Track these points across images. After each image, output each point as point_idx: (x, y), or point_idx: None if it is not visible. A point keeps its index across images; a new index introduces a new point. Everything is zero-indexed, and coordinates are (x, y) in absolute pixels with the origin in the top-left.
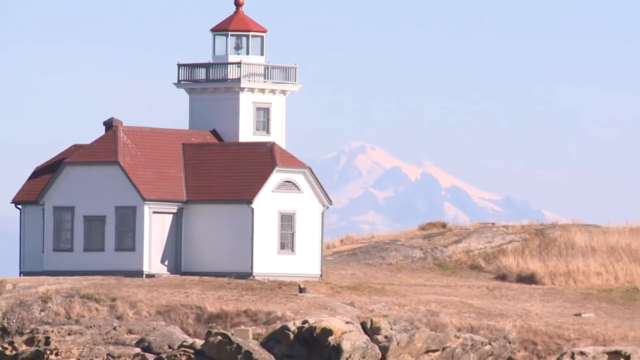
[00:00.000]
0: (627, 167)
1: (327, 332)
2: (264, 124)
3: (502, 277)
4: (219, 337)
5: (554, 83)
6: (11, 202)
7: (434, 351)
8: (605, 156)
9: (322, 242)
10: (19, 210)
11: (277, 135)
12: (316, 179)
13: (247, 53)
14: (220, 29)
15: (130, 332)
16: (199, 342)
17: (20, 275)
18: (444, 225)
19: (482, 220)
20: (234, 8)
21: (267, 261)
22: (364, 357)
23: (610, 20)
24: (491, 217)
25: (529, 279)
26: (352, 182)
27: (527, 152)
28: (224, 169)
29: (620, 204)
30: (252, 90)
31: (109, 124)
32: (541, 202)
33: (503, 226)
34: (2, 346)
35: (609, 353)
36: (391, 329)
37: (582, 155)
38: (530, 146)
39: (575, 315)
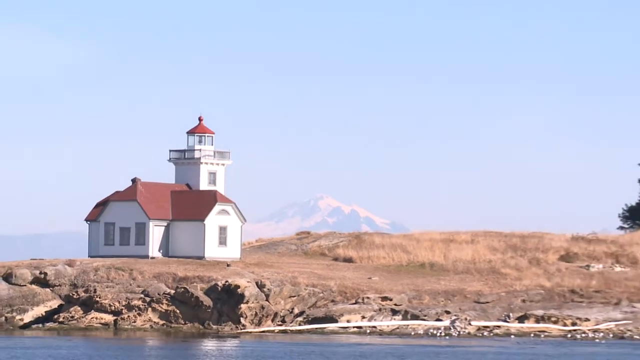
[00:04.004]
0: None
1: (237, 286)
2: (213, 181)
3: (336, 259)
4: (183, 289)
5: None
6: (84, 220)
7: (293, 296)
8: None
9: (241, 241)
10: (88, 224)
11: (220, 187)
12: (238, 209)
13: (205, 144)
14: (191, 132)
15: (139, 286)
16: (172, 292)
17: (88, 257)
18: (308, 233)
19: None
20: (197, 121)
21: (212, 250)
22: (256, 300)
23: None
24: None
25: (349, 260)
26: (316, 214)
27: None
28: (191, 203)
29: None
30: (207, 163)
31: (134, 180)
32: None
33: (339, 233)
34: (71, 293)
35: (381, 297)
36: (271, 284)
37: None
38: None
39: (368, 278)
